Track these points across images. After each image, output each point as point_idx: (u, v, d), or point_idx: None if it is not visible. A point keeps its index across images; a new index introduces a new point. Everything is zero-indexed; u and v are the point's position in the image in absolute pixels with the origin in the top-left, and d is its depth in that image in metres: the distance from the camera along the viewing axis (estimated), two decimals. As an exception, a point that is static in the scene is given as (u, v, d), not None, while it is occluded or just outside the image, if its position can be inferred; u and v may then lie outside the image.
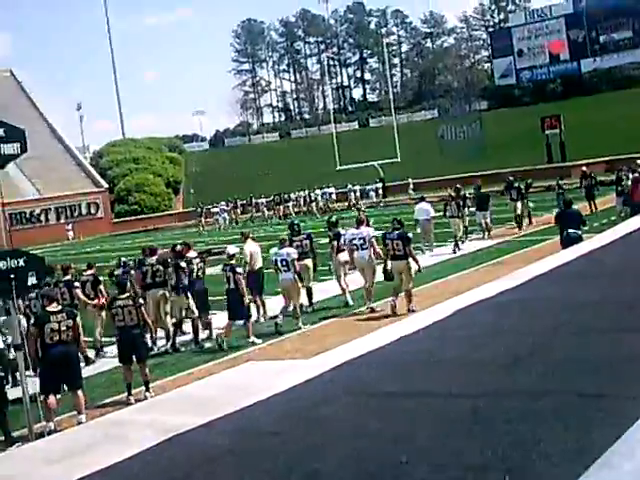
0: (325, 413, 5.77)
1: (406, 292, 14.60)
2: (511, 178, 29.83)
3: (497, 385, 5.91)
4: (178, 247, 16.55)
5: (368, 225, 16.24)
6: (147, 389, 11.99)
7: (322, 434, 5.27)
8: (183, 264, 15.40)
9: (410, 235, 15.31)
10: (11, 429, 11.01)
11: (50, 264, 16.68)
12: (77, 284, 15.95)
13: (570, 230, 15.42)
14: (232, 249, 15.27)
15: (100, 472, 5.14)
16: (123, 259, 19.54)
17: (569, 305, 8.50)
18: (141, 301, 12.69)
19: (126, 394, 12.01)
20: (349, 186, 54.22)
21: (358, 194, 54.28)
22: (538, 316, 8.13)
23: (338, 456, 4.82)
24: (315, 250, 17.31)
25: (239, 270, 14.58)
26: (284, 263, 14.69)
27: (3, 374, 11.93)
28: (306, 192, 54.19)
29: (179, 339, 15.70)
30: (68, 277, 16.17)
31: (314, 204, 52.87)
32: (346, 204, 52.76)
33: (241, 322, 14.56)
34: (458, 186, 26.67)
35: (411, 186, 51.51)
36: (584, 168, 32.60)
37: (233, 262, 14.74)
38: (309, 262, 16.46)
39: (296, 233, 16.92)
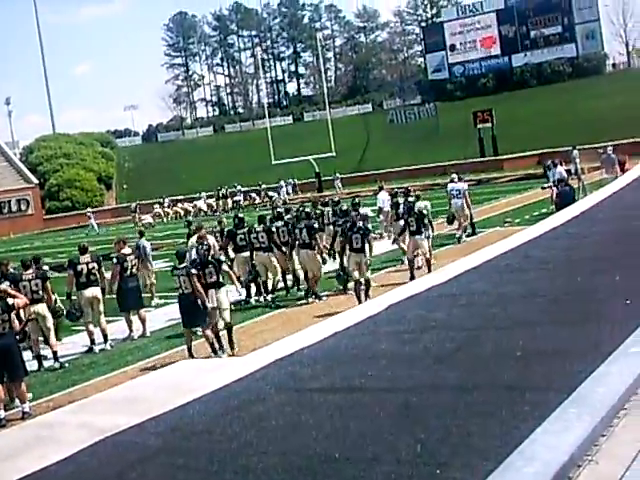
0: (257, 411, 5.82)
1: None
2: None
3: (428, 380, 6.02)
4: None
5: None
6: (23, 416, 9.38)
7: (254, 432, 5.31)
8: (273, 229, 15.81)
9: (466, 187, 20.08)
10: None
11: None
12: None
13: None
14: (367, 210, 18.16)
15: (34, 475, 5.12)
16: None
17: (496, 299, 8.69)
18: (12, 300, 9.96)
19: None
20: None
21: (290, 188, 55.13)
22: (466, 311, 8.29)
23: (270, 453, 4.88)
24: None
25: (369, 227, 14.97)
26: (457, 192, 19.50)
27: None
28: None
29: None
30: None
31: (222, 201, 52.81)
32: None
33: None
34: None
35: (338, 182, 51.74)
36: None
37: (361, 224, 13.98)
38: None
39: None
